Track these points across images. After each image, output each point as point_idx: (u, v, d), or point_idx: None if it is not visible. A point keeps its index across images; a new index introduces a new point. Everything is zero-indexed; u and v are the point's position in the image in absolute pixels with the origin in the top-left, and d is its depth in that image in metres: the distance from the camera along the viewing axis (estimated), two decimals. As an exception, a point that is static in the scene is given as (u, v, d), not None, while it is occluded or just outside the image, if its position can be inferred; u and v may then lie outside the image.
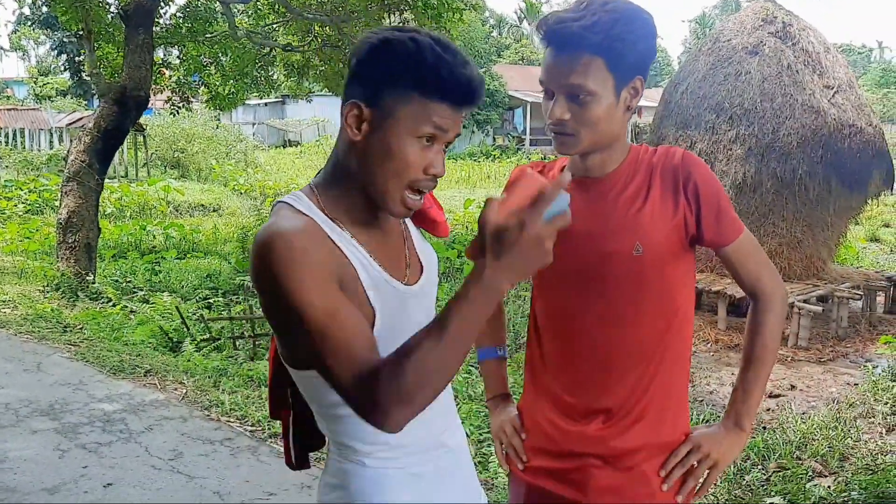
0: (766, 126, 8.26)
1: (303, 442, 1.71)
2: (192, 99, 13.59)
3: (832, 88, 8.50)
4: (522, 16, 58.17)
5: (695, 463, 1.79)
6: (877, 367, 6.93)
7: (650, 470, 1.77)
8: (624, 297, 1.73)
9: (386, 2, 10.55)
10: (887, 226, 15.09)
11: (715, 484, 3.09)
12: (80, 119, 26.18)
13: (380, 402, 1.26)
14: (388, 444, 1.49)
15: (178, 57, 13.25)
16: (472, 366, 5.97)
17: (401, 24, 1.55)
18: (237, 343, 6.76)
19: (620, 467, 1.76)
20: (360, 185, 1.45)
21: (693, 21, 64.78)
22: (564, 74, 1.65)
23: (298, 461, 1.73)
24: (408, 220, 1.64)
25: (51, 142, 28.15)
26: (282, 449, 4.67)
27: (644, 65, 1.70)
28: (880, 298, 9.14)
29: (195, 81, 13.35)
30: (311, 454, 1.76)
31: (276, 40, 13.16)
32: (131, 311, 7.75)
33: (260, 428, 4.69)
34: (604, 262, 1.72)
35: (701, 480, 1.83)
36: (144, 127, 23.15)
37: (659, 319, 1.75)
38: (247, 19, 13.28)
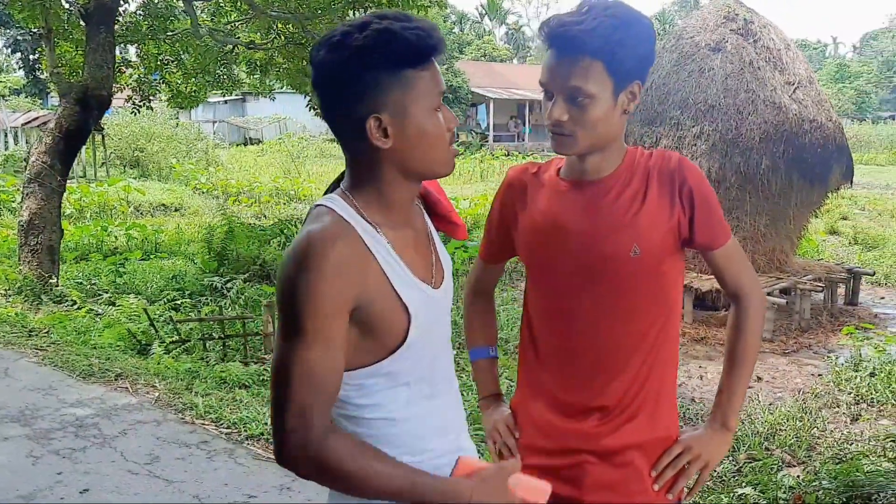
0: (729, 122, 8.36)
1: None
2: (152, 97, 13.42)
3: (793, 84, 8.63)
4: (484, 12, 58.31)
5: (686, 464, 1.83)
6: (839, 357, 7.07)
7: (644, 467, 1.81)
8: (620, 297, 1.77)
9: (350, -1, 10.48)
10: (845, 218, 15.37)
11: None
12: (37, 118, 25.71)
13: (308, 451, 1.36)
14: (413, 449, 1.51)
15: (136, 55, 13.07)
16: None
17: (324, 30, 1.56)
18: (207, 345, 6.71)
19: (615, 464, 1.80)
20: (389, 183, 1.49)
21: (653, 17, 65.46)
22: (564, 77, 1.67)
23: None
24: (430, 224, 1.68)
25: (6, 142, 27.58)
26: (259, 451, 4.63)
27: (643, 69, 1.73)
28: (840, 290, 9.32)
29: (156, 79, 13.18)
30: None
31: (237, 37, 13.03)
32: (97, 314, 7.63)
33: (236, 430, 4.66)
34: (602, 262, 1.76)
35: (692, 481, 1.88)
36: (103, 126, 22.79)
37: (653, 318, 1.80)
38: (207, 17, 13.12)
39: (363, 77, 1.39)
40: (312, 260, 1.35)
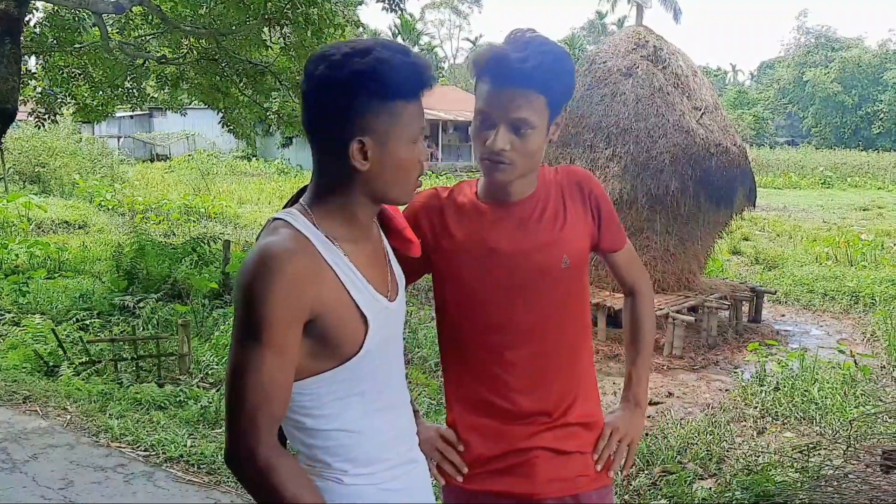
0: (640, 145, 8.59)
1: None
2: (57, 111, 12.98)
3: (700, 110, 8.95)
4: (397, 32, 58.49)
5: (616, 443, 1.98)
6: (745, 373, 7.32)
7: (588, 456, 1.96)
8: (553, 307, 1.89)
9: (266, 16, 10.39)
10: (747, 239, 15.96)
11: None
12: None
13: (257, 463, 1.40)
14: (366, 460, 1.54)
15: (38, 65, 12.61)
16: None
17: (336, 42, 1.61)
18: (118, 365, 6.49)
19: (562, 453, 1.91)
20: (356, 203, 1.53)
21: (563, 42, 66.78)
22: (511, 108, 1.76)
23: None
24: (385, 240, 1.72)
25: None
26: (179, 473, 4.54)
27: (567, 101, 1.87)
28: (744, 308, 9.67)
29: (60, 92, 12.75)
30: None
31: (148, 51, 12.74)
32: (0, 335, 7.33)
33: (154, 453, 4.53)
34: (536, 276, 1.87)
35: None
36: (2, 140, 21.88)
37: (579, 323, 1.96)
38: (116, 30, 12.76)
39: (357, 101, 1.44)
40: (270, 271, 1.38)
